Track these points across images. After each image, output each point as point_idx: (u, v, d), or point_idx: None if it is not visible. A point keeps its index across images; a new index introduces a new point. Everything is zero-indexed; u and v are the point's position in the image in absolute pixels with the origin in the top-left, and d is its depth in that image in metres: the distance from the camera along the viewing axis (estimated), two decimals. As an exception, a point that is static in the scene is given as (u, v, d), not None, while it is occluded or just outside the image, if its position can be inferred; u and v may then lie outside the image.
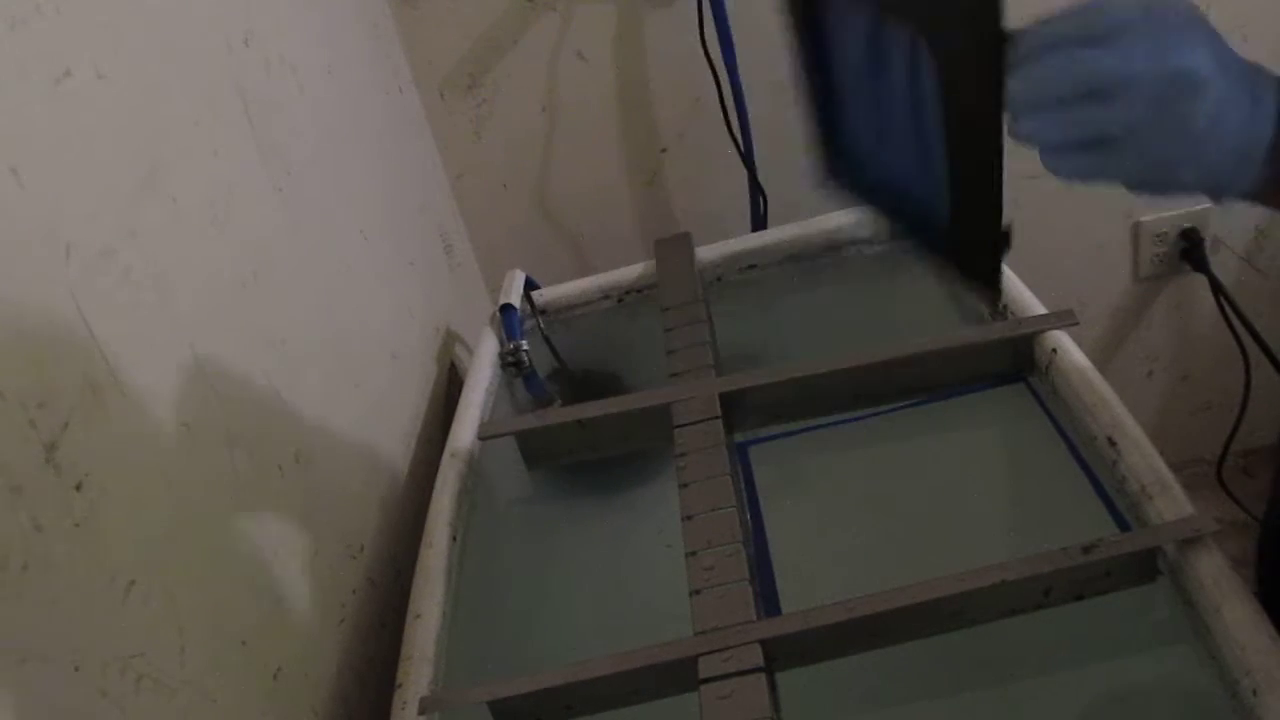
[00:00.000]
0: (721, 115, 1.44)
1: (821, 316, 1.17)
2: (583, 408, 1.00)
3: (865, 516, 0.88)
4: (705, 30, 1.40)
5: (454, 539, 0.94)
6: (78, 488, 0.58)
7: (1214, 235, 1.63)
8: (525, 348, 1.15)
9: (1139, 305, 1.72)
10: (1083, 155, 0.47)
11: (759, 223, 1.51)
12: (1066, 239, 1.61)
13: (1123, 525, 0.79)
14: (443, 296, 1.37)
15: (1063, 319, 0.94)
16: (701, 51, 1.41)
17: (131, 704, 0.59)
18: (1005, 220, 0.57)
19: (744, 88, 1.43)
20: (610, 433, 0.99)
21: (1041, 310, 0.97)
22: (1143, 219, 1.61)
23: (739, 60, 1.41)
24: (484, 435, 1.04)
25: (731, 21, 1.39)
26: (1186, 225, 1.61)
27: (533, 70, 1.47)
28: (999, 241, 0.58)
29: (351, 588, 0.91)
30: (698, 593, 0.77)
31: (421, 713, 0.77)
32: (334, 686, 0.84)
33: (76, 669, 0.55)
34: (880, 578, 0.80)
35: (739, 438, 0.98)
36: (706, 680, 0.71)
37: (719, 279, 1.23)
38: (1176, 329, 1.74)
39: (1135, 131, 0.45)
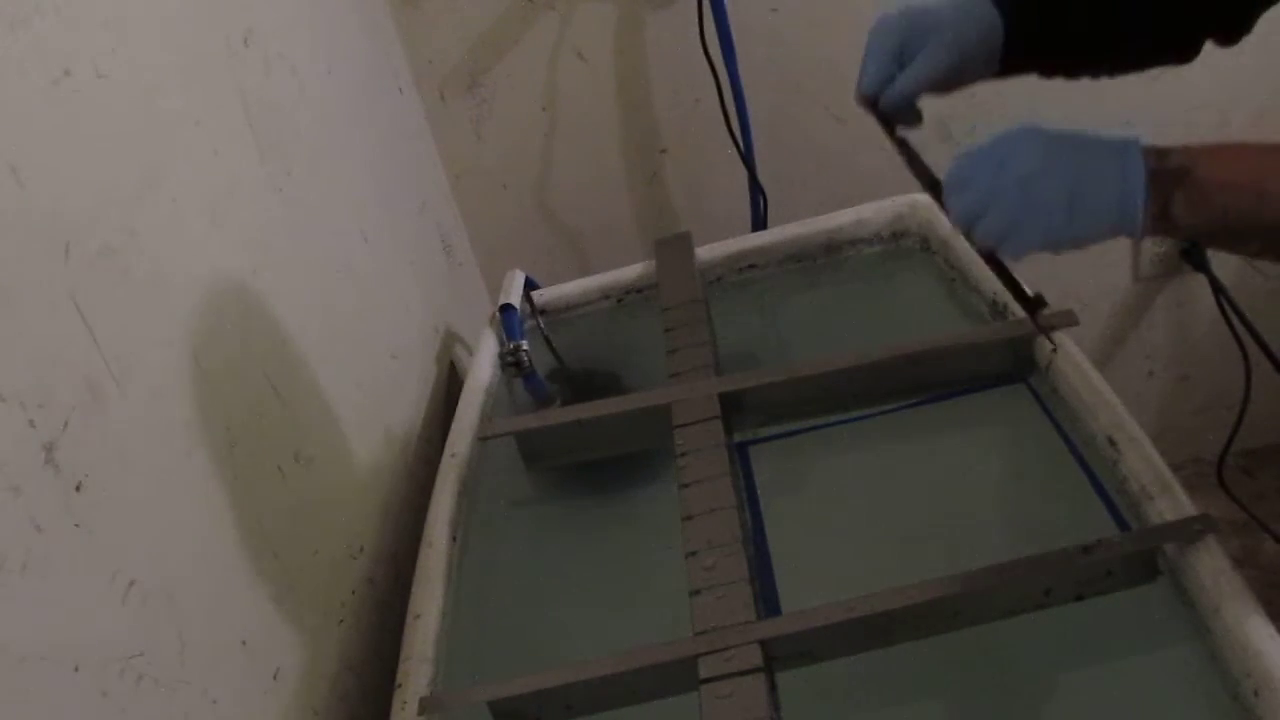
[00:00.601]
0: (721, 115, 1.44)
1: (821, 316, 1.17)
2: (583, 408, 1.00)
3: (865, 516, 0.88)
4: (705, 30, 1.40)
5: (454, 539, 0.94)
6: (78, 488, 0.58)
7: (1214, 235, 1.63)
8: (525, 348, 1.15)
9: (1139, 305, 1.72)
10: (1009, 242, 0.65)
11: (759, 223, 1.51)
12: (1066, 239, 1.61)
13: (1123, 525, 0.79)
14: (442, 296, 1.37)
15: (1063, 319, 0.94)
16: (701, 51, 1.41)
17: (131, 704, 0.59)
18: (1032, 290, 0.74)
19: (744, 88, 1.43)
20: (610, 433, 0.99)
21: (1042, 310, 0.97)
22: (1143, 219, 1.61)
23: (739, 60, 1.41)
24: (484, 435, 1.04)
25: (731, 21, 1.39)
26: (1186, 225, 1.61)
27: (533, 70, 1.47)
28: (1030, 305, 0.75)
29: (351, 588, 0.91)
30: (698, 593, 0.77)
31: (421, 713, 0.77)
32: (334, 686, 0.84)
33: (76, 669, 0.55)
34: (880, 578, 0.80)
35: (739, 438, 0.97)
36: (706, 680, 0.71)
37: (719, 279, 1.23)
38: (1176, 329, 1.74)
39: (1020, 220, 0.64)
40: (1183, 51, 0.81)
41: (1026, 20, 0.80)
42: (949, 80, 0.80)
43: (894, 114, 0.80)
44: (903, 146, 0.80)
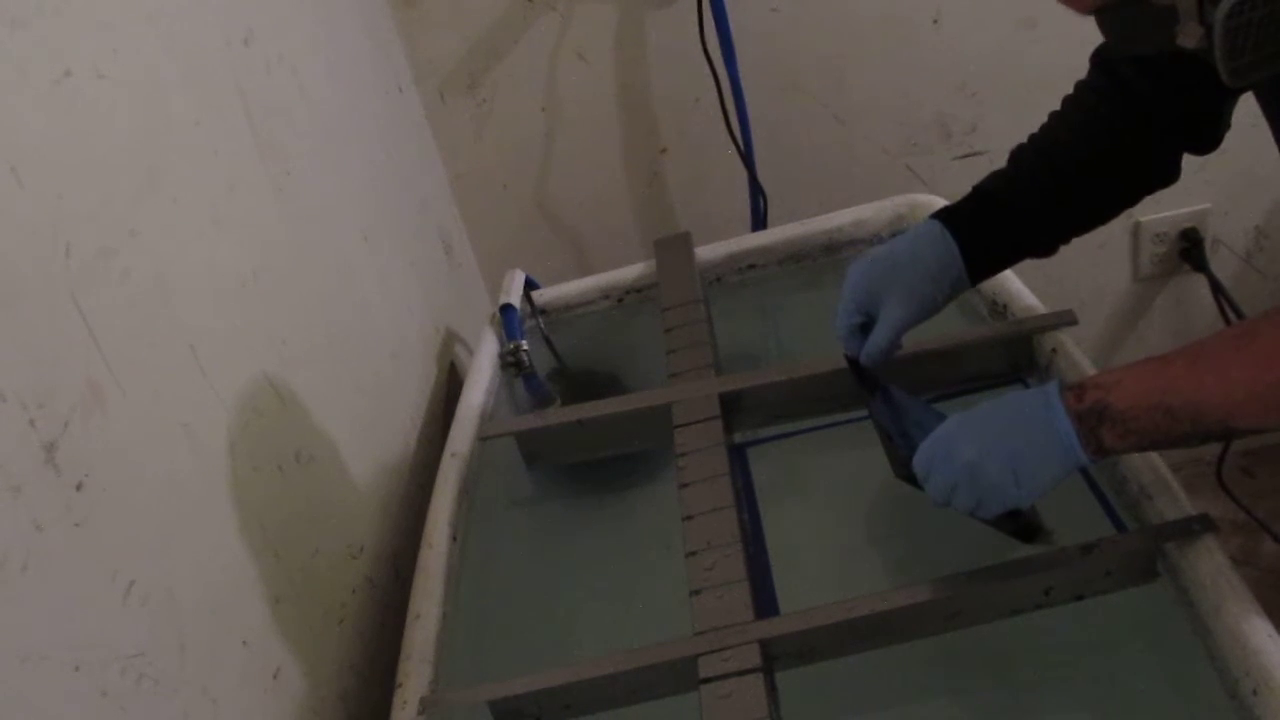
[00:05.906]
0: (721, 115, 1.44)
1: (821, 316, 1.16)
2: (583, 408, 1.00)
3: (865, 516, 0.88)
4: (705, 30, 1.40)
5: (454, 539, 0.94)
6: (78, 488, 0.58)
7: (1214, 235, 1.63)
8: (525, 348, 1.15)
9: (1139, 305, 1.72)
10: (979, 511, 0.73)
11: (759, 223, 1.51)
12: (1066, 239, 1.61)
13: (1121, 525, 0.79)
14: (443, 296, 1.37)
15: (1062, 319, 0.94)
16: (701, 51, 1.41)
17: (131, 704, 0.59)
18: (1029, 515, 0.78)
19: (744, 88, 1.43)
20: (610, 433, 0.99)
21: (1042, 310, 0.97)
22: (1143, 219, 1.61)
23: (739, 60, 1.41)
24: (484, 435, 1.04)
25: (731, 21, 1.39)
26: (1186, 225, 1.61)
27: (533, 70, 1.47)
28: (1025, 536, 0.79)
29: (351, 588, 0.91)
30: (698, 593, 0.77)
31: (421, 713, 0.77)
32: (334, 686, 0.84)
33: (76, 669, 0.55)
34: (879, 577, 0.80)
35: (739, 438, 0.98)
36: (706, 680, 0.71)
37: (719, 279, 1.23)
38: (1176, 329, 1.74)
39: (980, 498, 0.72)
40: (1164, 178, 0.87)
41: (984, 237, 0.87)
42: (919, 318, 0.86)
43: (877, 362, 0.87)
44: (879, 428, 0.85)
